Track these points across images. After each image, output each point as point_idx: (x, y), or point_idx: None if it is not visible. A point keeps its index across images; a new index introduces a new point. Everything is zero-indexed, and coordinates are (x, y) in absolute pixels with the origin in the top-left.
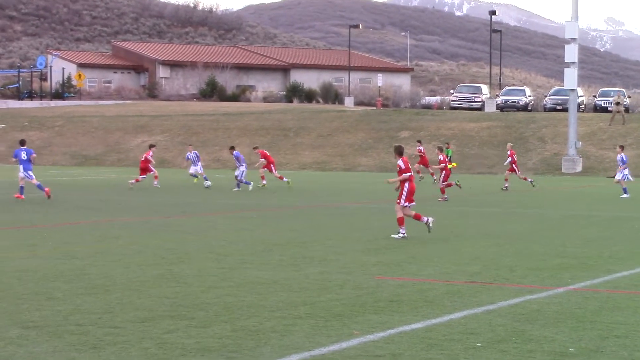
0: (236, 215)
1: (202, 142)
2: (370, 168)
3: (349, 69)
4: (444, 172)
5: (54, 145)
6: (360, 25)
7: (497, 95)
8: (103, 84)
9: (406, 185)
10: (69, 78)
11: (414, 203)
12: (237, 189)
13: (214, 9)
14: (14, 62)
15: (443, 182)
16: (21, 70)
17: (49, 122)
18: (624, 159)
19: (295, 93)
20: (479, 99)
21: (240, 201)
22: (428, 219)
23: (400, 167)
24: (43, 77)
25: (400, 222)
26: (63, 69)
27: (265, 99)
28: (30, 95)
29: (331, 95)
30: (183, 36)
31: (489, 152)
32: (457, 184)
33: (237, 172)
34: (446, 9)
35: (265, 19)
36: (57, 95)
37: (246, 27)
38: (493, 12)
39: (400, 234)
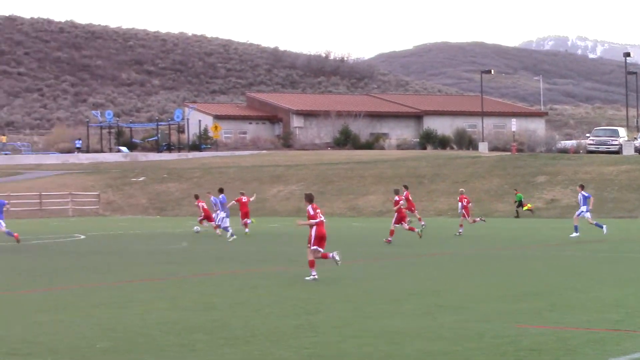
0: (372, 264)
1: (337, 190)
2: (507, 214)
3: (482, 114)
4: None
5: (192, 197)
6: (492, 71)
7: (635, 138)
8: (239, 135)
9: (314, 230)
10: (206, 130)
11: (321, 248)
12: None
13: (345, 58)
14: (152, 115)
15: (395, 223)
16: (159, 123)
17: (187, 174)
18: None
19: (429, 140)
20: (616, 142)
21: (375, 249)
22: (333, 254)
23: (309, 214)
24: (180, 130)
25: (311, 264)
26: (200, 121)
27: (399, 146)
28: (169, 148)
29: (465, 141)
30: (316, 86)
31: (629, 196)
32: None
33: (217, 219)
34: (579, 52)
35: (396, 66)
36: (195, 146)
37: (378, 75)
38: (628, 54)
39: (311, 277)
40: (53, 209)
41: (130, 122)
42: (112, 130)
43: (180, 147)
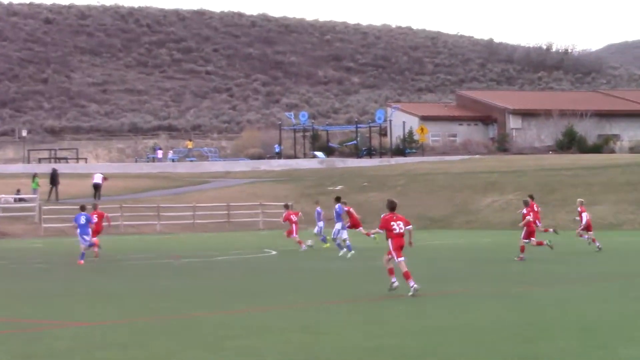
0: (598, 285)
1: (560, 200)
2: None
3: None
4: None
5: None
6: None
7: None
8: (448, 138)
9: (390, 241)
10: (411, 132)
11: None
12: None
13: (569, 50)
14: (351, 117)
15: (524, 239)
16: (359, 125)
17: (390, 182)
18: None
19: None
20: None
21: (599, 269)
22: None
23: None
24: (382, 133)
25: (406, 276)
26: (404, 122)
27: (632, 149)
28: (369, 153)
29: None
30: (535, 82)
31: None
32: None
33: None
34: None
35: (629, 58)
36: (398, 151)
37: (607, 69)
38: None
39: (412, 288)
40: (242, 221)
41: (327, 125)
42: (307, 134)
43: (382, 152)
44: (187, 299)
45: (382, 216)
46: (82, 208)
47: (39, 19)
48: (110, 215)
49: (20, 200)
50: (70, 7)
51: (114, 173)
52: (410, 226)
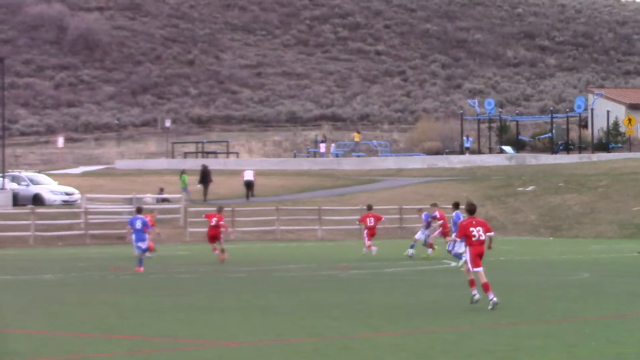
0: None
1: None
2: None
3: None
4: None
5: (597, 212)
6: None
7: None
8: None
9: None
10: (616, 123)
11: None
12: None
13: None
14: (546, 105)
15: None
16: (555, 115)
17: (590, 182)
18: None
19: None
20: None
21: None
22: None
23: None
24: (583, 124)
25: (471, 283)
26: (608, 112)
27: None
28: (567, 148)
29: None
30: None
31: None
32: None
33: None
34: None
35: None
36: (601, 146)
37: None
38: None
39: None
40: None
41: (517, 114)
42: (493, 125)
43: (581, 147)
44: (349, 315)
45: (459, 221)
46: (139, 210)
47: None
48: (265, 218)
49: (164, 200)
50: None
51: (270, 170)
52: (492, 232)
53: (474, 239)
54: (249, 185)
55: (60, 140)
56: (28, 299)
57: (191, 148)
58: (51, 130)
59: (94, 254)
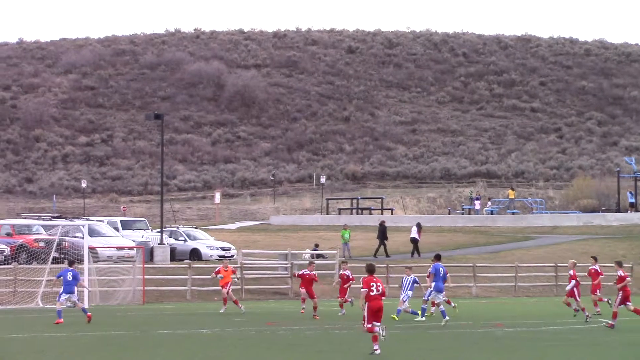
0: None
1: None
2: None
3: None
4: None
5: None
6: None
7: None
8: None
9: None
10: None
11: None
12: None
13: None
14: None
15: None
16: None
17: None
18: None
19: None
20: None
21: None
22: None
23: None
24: None
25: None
26: None
27: None
28: None
29: None
30: None
31: None
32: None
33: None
34: None
35: None
36: None
37: None
38: None
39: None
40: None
41: None
42: None
43: None
44: None
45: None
46: (71, 263)
47: (341, 49)
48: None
49: (319, 256)
50: (375, 34)
51: (425, 226)
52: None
53: (372, 294)
54: (414, 241)
55: (217, 196)
56: (186, 354)
57: (346, 204)
58: (208, 186)
59: (250, 308)
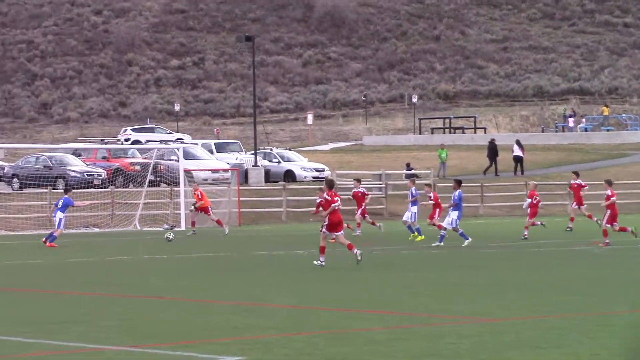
0: None
1: None
2: None
3: None
4: None
5: None
6: None
7: None
8: None
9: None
10: None
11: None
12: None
13: None
14: None
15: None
16: None
17: None
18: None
19: None
20: None
21: None
22: (357, 251)
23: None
24: None
25: (322, 250)
26: None
27: None
28: None
29: None
30: None
31: None
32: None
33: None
34: None
35: None
36: None
37: None
38: None
39: (319, 262)
40: None
41: None
42: None
43: None
44: (600, 293)
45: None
46: (67, 191)
47: None
48: (514, 194)
49: (412, 176)
50: None
51: None
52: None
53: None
54: (517, 159)
55: (310, 117)
56: (282, 274)
57: (438, 124)
58: (300, 108)
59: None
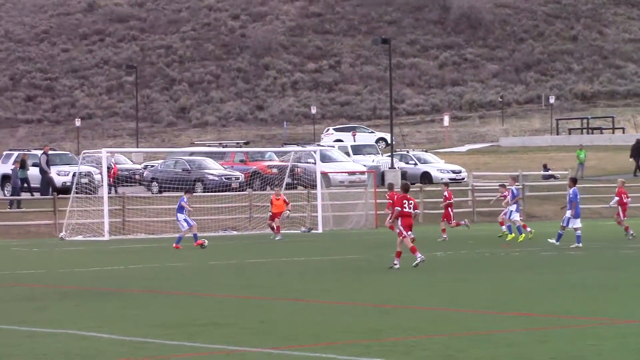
0: None
1: None
2: None
3: None
4: None
5: None
6: None
7: None
8: None
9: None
10: None
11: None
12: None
13: None
14: None
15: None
16: None
17: None
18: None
19: None
20: None
21: None
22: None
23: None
24: None
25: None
26: None
27: None
28: None
29: None
30: None
31: None
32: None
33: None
34: None
35: None
36: None
37: None
38: None
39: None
40: None
41: None
42: None
43: None
44: None
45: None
46: (187, 192)
47: None
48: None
49: (550, 177)
50: None
51: None
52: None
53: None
54: None
55: (446, 119)
56: (417, 275)
57: (576, 124)
58: (436, 109)
59: (482, 231)
